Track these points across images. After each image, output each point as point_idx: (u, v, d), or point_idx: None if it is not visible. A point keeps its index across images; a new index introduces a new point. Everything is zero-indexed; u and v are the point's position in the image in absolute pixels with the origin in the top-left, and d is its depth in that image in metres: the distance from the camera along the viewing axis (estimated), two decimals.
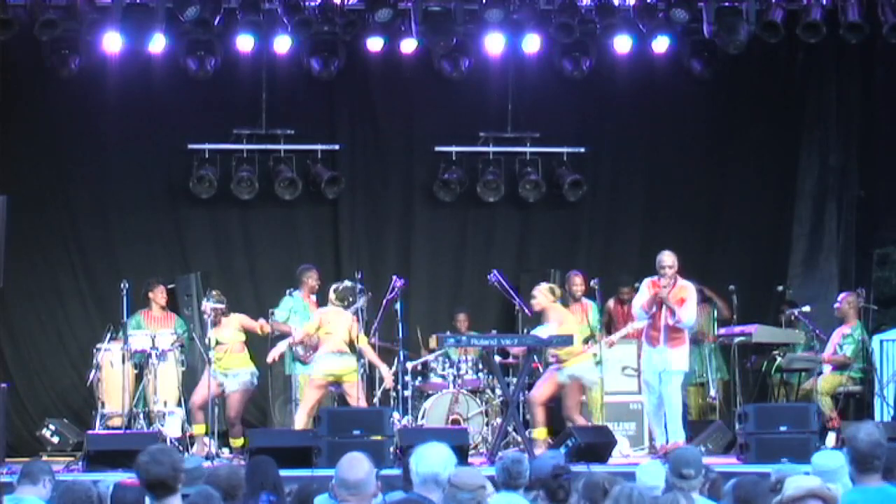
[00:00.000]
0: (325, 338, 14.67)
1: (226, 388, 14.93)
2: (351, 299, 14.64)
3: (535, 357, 15.20)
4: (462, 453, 12.49)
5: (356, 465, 7.00)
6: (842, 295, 15.97)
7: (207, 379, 14.68)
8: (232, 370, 14.94)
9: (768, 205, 18.14)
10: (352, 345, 14.53)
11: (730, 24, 15.59)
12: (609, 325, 16.45)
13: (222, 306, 14.97)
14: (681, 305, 14.16)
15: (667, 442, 14.33)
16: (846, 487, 7.12)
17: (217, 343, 14.77)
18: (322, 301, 15.40)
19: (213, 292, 15.14)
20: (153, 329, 15.70)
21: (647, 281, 14.38)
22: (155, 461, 6.28)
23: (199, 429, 14.78)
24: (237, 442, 14.96)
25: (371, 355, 14.73)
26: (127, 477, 8.14)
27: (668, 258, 14.26)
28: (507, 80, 17.32)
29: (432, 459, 7.03)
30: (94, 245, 17.24)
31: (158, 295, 16.12)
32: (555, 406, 15.90)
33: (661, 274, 14.21)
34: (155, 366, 15.24)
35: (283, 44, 15.80)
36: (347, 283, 14.88)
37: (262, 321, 15.26)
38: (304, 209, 17.57)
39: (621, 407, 15.91)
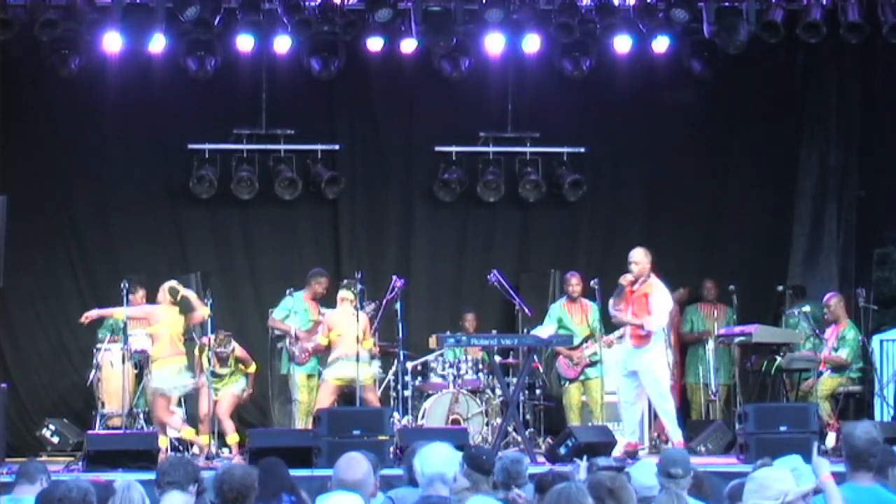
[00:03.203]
0: (337, 339, 14.75)
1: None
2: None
3: (535, 357, 15.21)
4: None
5: (354, 464, 7.01)
6: (827, 296, 15.93)
7: (207, 392, 14.66)
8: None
9: (768, 205, 18.12)
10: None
11: (730, 24, 15.58)
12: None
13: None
14: (645, 301, 14.14)
15: (645, 439, 14.46)
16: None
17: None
18: (325, 304, 15.43)
19: (220, 336, 15.04)
20: (131, 329, 15.58)
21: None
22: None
23: (205, 439, 14.68)
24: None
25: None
26: (126, 477, 8.15)
27: (633, 254, 14.30)
28: (507, 80, 17.31)
29: (437, 459, 7.03)
30: (94, 245, 17.24)
31: (139, 298, 15.93)
32: (554, 406, 15.94)
33: (629, 269, 14.24)
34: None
35: (283, 44, 15.79)
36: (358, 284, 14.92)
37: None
38: (304, 209, 17.56)
39: None
